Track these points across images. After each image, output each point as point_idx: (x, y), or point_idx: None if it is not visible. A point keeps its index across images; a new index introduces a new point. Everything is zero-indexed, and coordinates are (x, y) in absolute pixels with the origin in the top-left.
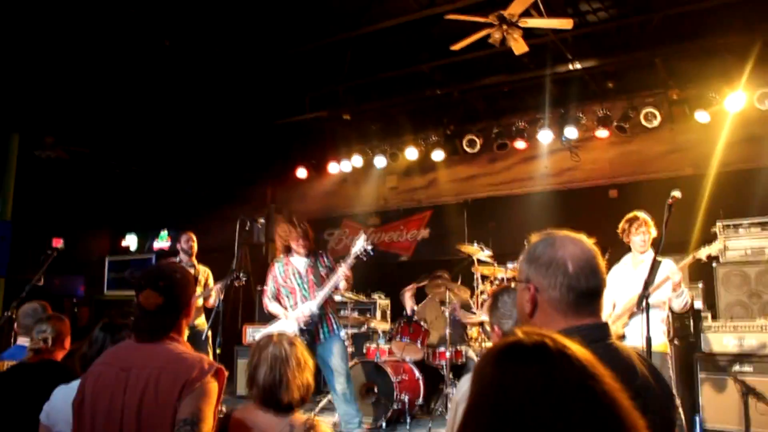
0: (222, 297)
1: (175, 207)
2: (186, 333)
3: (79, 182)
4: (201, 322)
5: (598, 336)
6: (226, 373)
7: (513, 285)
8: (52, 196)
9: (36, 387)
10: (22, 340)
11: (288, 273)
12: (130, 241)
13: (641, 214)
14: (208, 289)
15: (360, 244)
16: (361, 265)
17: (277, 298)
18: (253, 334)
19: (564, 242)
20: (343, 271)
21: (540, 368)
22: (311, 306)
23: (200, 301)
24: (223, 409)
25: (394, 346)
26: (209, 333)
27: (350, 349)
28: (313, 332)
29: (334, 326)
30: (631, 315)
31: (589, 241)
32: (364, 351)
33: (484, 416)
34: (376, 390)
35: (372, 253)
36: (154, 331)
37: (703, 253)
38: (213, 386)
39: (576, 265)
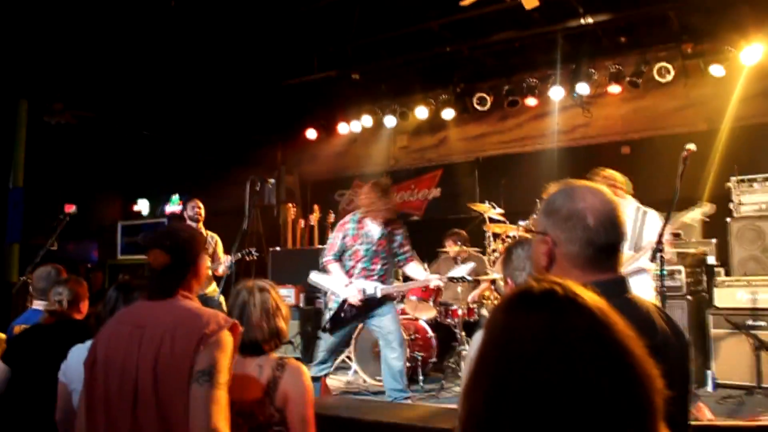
0: (234, 262)
1: (185, 171)
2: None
3: (89, 148)
4: (212, 289)
5: (616, 291)
6: (241, 329)
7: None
8: (63, 162)
9: (53, 346)
10: (37, 304)
11: (359, 235)
12: (142, 205)
13: (605, 171)
14: (217, 259)
15: (462, 272)
16: None
17: (339, 260)
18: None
19: (584, 194)
20: (429, 281)
21: (547, 315)
22: (374, 289)
23: (209, 271)
24: None
25: (406, 305)
26: (221, 298)
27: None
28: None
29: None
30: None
31: (609, 192)
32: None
33: (492, 363)
34: None
35: (464, 280)
36: (163, 289)
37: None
38: (229, 339)
39: (596, 219)
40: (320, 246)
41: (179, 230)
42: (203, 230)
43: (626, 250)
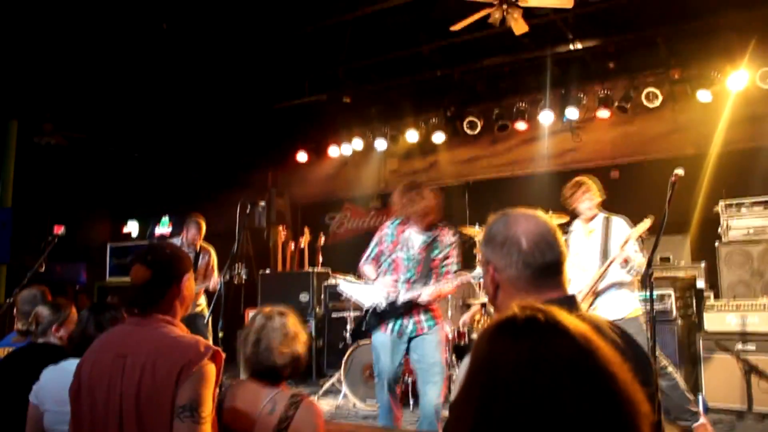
0: (224, 281)
1: (175, 192)
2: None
3: (79, 169)
4: (202, 308)
5: (565, 310)
6: (224, 356)
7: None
8: (52, 182)
9: (25, 370)
10: (20, 326)
11: (399, 242)
12: (132, 227)
13: (586, 179)
14: (210, 273)
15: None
16: (363, 248)
17: (373, 264)
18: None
19: (517, 219)
20: (453, 282)
21: (529, 343)
22: (400, 295)
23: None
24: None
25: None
26: (210, 318)
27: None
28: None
29: (426, 320)
30: (596, 294)
31: (544, 215)
32: (367, 334)
33: (476, 391)
34: None
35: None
36: (142, 304)
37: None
38: (210, 369)
39: (530, 241)
40: (310, 269)
41: (163, 247)
42: (201, 244)
43: (596, 261)
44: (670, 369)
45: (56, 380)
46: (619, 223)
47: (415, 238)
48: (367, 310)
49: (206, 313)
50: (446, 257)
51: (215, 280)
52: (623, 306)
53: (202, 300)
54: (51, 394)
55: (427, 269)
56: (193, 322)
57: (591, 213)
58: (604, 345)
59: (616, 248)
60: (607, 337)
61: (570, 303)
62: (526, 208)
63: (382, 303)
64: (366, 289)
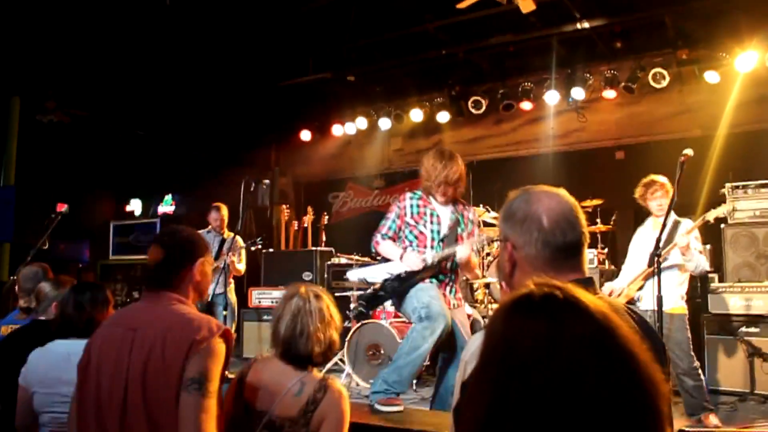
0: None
1: (179, 171)
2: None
3: (82, 146)
4: (230, 289)
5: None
6: (234, 335)
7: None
8: (55, 160)
9: (27, 348)
10: (23, 303)
11: (424, 214)
12: (135, 205)
13: (658, 178)
14: (239, 260)
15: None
16: (366, 227)
17: (392, 239)
18: (258, 297)
19: (539, 196)
20: (477, 240)
21: (547, 321)
22: (430, 256)
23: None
24: (228, 375)
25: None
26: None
27: (356, 311)
28: (409, 283)
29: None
30: (647, 277)
31: (566, 194)
32: (370, 313)
33: (492, 372)
34: (382, 351)
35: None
36: (155, 284)
37: (711, 215)
38: (221, 347)
39: (551, 219)
40: (313, 248)
41: (179, 230)
42: (225, 233)
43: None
44: (699, 370)
45: (42, 362)
46: (687, 221)
47: (442, 212)
48: (386, 279)
49: (233, 297)
50: (470, 234)
51: (238, 269)
52: (668, 298)
53: (231, 286)
54: (37, 376)
55: (450, 245)
56: (217, 303)
57: (660, 213)
58: (623, 324)
59: (678, 240)
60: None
61: (588, 284)
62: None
63: (407, 270)
64: (383, 267)
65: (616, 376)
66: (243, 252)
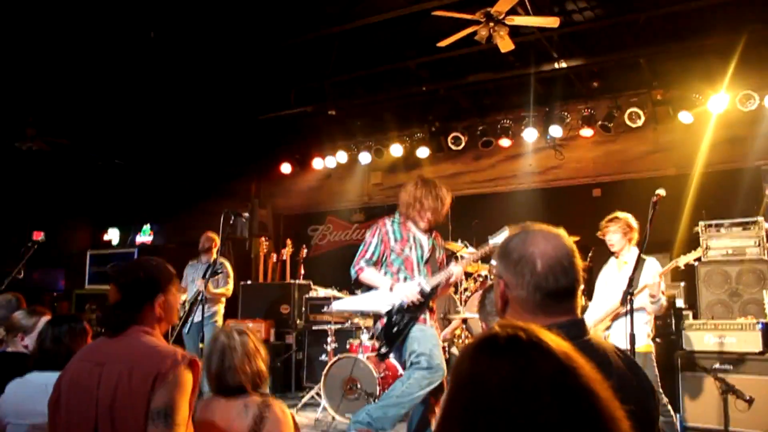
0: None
1: (158, 201)
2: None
3: (60, 175)
4: (219, 315)
5: (572, 334)
6: (201, 364)
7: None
8: (33, 188)
9: None
10: None
11: (408, 239)
12: (112, 234)
13: (621, 214)
14: (226, 284)
15: (501, 237)
16: (345, 261)
17: (375, 266)
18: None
19: (536, 239)
20: (468, 260)
21: (512, 361)
22: (426, 283)
23: (215, 290)
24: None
25: (377, 342)
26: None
27: (333, 345)
28: (414, 315)
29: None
30: (615, 317)
31: (565, 237)
32: (347, 347)
33: (458, 411)
34: (359, 385)
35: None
36: (113, 325)
37: (681, 261)
38: (187, 376)
39: (545, 264)
40: (291, 281)
41: (139, 267)
42: (214, 257)
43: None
44: (669, 407)
45: (18, 393)
46: (651, 261)
47: (422, 238)
48: (390, 312)
49: (220, 321)
50: (442, 260)
51: (228, 289)
52: (636, 337)
53: (221, 308)
54: (12, 406)
55: (435, 270)
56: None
57: (620, 247)
58: (585, 363)
59: (645, 281)
60: (611, 362)
61: (577, 327)
62: (545, 225)
63: (404, 301)
64: (370, 297)
65: (578, 414)
66: (231, 275)
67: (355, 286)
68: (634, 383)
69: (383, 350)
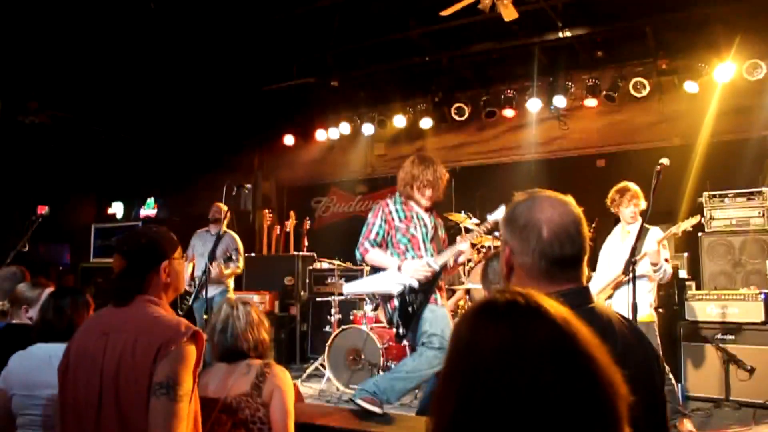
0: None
1: (161, 174)
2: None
3: (64, 148)
4: (230, 289)
5: (576, 301)
6: (205, 337)
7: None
8: (36, 162)
9: (2, 352)
10: None
11: (412, 217)
12: (117, 208)
13: (632, 186)
14: (236, 259)
15: (500, 213)
16: (349, 233)
17: (380, 246)
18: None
19: (542, 205)
20: (471, 236)
21: (510, 325)
22: (434, 261)
23: (227, 270)
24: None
25: (381, 313)
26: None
27: (338, 317)
28: (426, 293)
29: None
30: (617, 286)
31: (573, 205)
32: (351, 318)
33: (457, 375)
34: (362, 356)
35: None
36: (119, 295)
37: (680, 228)
38: (190, 349)
39: (551, 231)
40: (295, 253)
41: (141, 234)
42: (221, 231)
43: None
44: (671, 376)
45: (23, 365)
46: (654, 230)
47: (424, 216)
48: (402, 293)
49: (232, 295)
50: (444, 237)
51: (239, 266)
52: (638, 307)
53: (231, 282)
54: (18, 378)
55: (440, 248)
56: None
57: (632, 220)
58: (583, 328)
59: (648, 248)
60: (615, 329)
61: (582, 294)
62: (553, 192)
63: (415, 280)
64: (381, 278)
65: (576, 379)
66: (241, 251)
67: (363, 263)
68: (639, 350)
69: (401, 331)
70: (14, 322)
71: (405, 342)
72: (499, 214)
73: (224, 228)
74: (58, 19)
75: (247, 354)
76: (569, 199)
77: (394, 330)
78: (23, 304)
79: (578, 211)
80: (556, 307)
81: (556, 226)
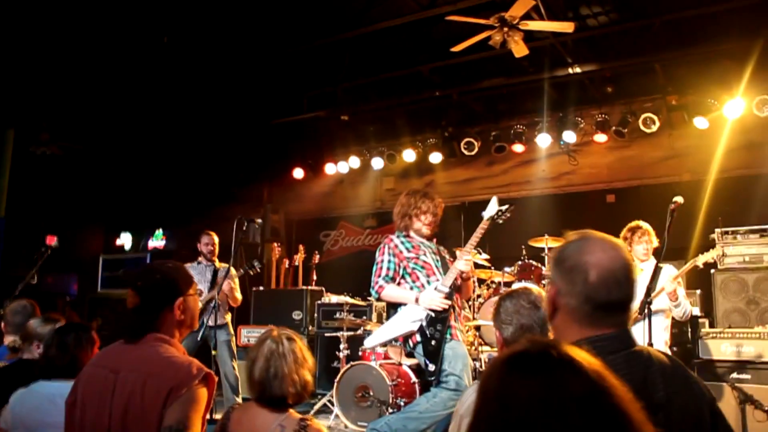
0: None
1: (170, 206)
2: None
3: (74, 179)
4: (227, 322)
5: (616, 347)
6: (216, 379)
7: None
8: (46, 193)
9: (10, 389)
10: (9, 340)
11: (419, 247)
12: (125, 239)
13: (643, 224)
14: (232, 290)
15: (493, 208)
16: (357, 267)
17: (393, 281)
18: (247, 335)
19: (593, 248)
20: (470, 247)
21: (542, 379)
22: (441, 285)
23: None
24: (215, 416)
25: (390, 350)
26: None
27: (346, 352)
28: (445, 322)
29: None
30: (632, 323)
31: (624, 249)
32: (360, 354)
33: (485, 427)
34: (371, 393)
35: (509, 215)
36: (131, 331)
37: (700, 261)
38: (201, 392)
39: (599, 276)
40: (304, 287)
41: (155, 271)
42: (216, 263)
43: (639, 299)
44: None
45: (26, 404)
46: (668, 267)
47: (429, 245)
48: (421, 328)
49: (231, 329)
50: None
51: (237, 297)
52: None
53: (227, 317)
54: (20, 417)
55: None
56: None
57: (645, 258)
58: (616, 383)
59: (668, 285)
60: (658, 377)
61: (622, 339)
62: (599, 232)
63: (431, 313)
64: (398, 320)
65: None
66: (237, 281)
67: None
68: (686, 395)
69: (431, 368)
70: (25, 357)
71: (404, 368)
72: (491, 210)
73: (216, 261)
74: (71, 53)
75: (289, 399)
76: (620, 243)
77: (420, 361)
78: (35, 340)
79: (629, 255)
80: (588, 360)
81: (605, 271)
